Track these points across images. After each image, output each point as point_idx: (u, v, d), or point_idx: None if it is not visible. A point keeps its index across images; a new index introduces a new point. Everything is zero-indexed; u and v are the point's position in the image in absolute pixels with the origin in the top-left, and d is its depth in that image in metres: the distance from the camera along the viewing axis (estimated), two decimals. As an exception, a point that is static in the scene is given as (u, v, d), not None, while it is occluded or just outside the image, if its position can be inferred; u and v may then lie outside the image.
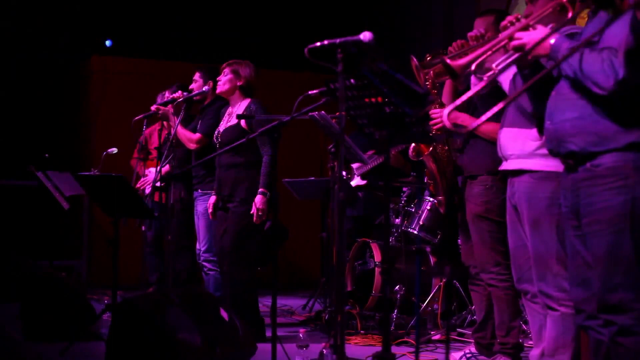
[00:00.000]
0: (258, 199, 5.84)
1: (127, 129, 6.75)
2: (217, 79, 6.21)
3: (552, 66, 3.25)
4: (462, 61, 3.36)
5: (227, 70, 6.15)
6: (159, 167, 6.16)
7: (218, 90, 6.22)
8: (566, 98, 3.30)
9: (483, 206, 4.88)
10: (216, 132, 6.20)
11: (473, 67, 3.39)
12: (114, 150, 7.53)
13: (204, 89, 6.39)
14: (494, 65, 3.41)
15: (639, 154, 3.14)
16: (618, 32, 3.10)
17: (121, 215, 5.81)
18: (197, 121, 6.66)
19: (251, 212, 5.84)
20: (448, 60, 3.42)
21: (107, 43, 10.10)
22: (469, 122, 4.77)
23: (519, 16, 3.51)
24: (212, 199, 6.18)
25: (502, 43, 3.38)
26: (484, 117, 3.00)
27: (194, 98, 6.56)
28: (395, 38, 9.73)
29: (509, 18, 3.52)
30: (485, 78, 3.58)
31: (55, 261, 7.99)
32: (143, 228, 7.20)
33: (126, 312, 4.61)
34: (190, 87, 6.69)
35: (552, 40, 3.27)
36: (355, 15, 10.48)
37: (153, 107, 6.52)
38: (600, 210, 3.19)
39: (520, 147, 4.10)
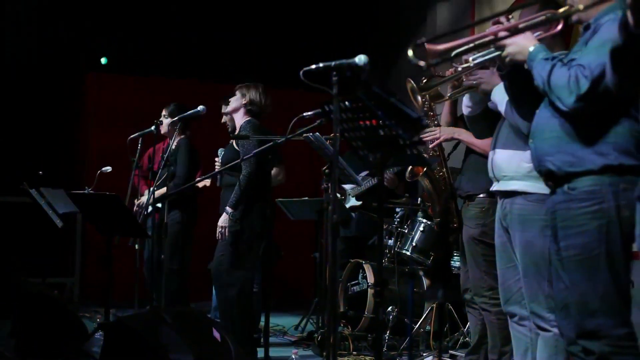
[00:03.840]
0: (222, 217, 5.87)
1: (122, 147, 6.75)
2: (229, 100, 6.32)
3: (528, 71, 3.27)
4: (441, 46, 3.35)
5: (237, 91, 6.27)
6: (152, 188, 6.18)
7: (225, 111, 6.36)
8: (547, 117, 3.32)
9: (479, 229, 4.88)
10: (222, 152, 6.28)
11: (453, 53, 3.39)
12: (109, 169, 7.53)
13: (198, 109, 6.40)
14: (470, 58, 3.45)
15: (614, 178, 3.15)
16: (591, 49, 3.14)
17: (115, 234, 5.81)
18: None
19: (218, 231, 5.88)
20: (427, 44, 3.41)
21: (103, 60, 10.10)
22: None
23: (511, 17, 3.54)
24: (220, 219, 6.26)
25: (487, 39, 3.40)
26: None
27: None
28: (391, 60, 9.77)
29: (499, 18, 3.53)
30: (460, 69, 3.60)
31: (47, 278, 7.97)
32: (136, 247, 7.19)
33: (118, 331, 4.60)
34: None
35: (531, 48, 3.31)
36: (351, 35, 10.54)
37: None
38: (576, 235, 3.19)
39: (514, 169, 4.08)
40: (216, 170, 6.37)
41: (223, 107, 6.66)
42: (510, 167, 4.10)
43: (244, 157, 5.43)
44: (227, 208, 5.84)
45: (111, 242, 5.65)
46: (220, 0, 10.61)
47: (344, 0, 10.78)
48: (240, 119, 6.19)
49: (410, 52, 3.15)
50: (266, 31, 10.71)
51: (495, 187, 4.25)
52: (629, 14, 2.51)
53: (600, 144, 3.16)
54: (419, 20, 9.76)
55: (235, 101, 6.21)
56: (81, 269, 9.41)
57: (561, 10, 3.31)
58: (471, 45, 3.39)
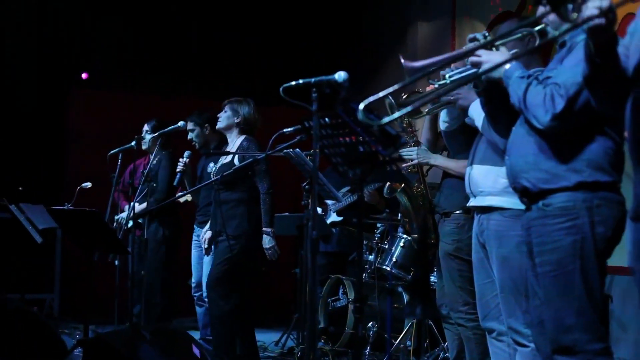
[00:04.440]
0: (265, 239, 6.04)
1: (103, 163, 6.73)
2: (217, 115, 6.29)
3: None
4: (416, 64, 3.37)
5: (227, 107, 6.25)
6: (132, 203, 6.17)
7: (217, 127, 6.31)
8: (523, 134, 3.34)
9: (454, 245, 4.89)
10: (214, 168, 6.25)
11: (429, 71, 3.40)
12: (88, 184, 7.51)
13: (179, 124, 6.39)
14: (447, 75, 3.47)
15: (588, 194, 3.17)
16: (566, 68, 3.17)
17: (95, 250, 5.79)
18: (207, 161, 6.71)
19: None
20: (402, 60, 3.42)
21: (83, 76, 10.09)
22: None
23: (487, 34, 3.56)
24: (208, 234, 6.22)
25: (462, 55, 3.44)
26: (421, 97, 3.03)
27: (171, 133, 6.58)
28: (372, 76, 9.81)
29: (476, 35, 3.56)
30: (437, 85, 3.62)
31: (26, 295, 7.91)
32: (116, 263, 7.16)
33: (97, 348, 4.58)
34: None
35: (507, 66, 3.33)
36: (331, 52, 10.58)
37: None
38: (551, 251, 3.20)
39: (491, 184, 4.09)
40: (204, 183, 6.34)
41: (188, 124, 6.64)
42: (487, 182, 4.11)
43: (224, 174, 5.43)
44: (266, 229, 6.00)
45: (91, 258, 5.63)
46: (201, 16, 10.64)
47: (324, 17, 10.82)
48: (234, 136, 6.18)
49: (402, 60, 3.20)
50: (248, 48, 10.74)
51: (472, 202, 4.26)
52: (590, 43, 2.55)
53: (575, 161, 3.19)
54: (399, 37, 9.81)
55: (228, 119, 6.20)
56: (61, 285, 9.35)
57: (537, 27, 3.34)
58: (448, 62, 3.41)
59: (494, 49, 3.42)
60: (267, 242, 6.03)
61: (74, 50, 10.20)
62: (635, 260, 2.55)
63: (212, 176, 6.18)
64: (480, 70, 3.38)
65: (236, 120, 6.17)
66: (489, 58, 3.36)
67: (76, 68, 10.15)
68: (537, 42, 3.41)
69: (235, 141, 6.16)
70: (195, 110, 6.95)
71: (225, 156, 6.18)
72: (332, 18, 10.85)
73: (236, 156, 6.00)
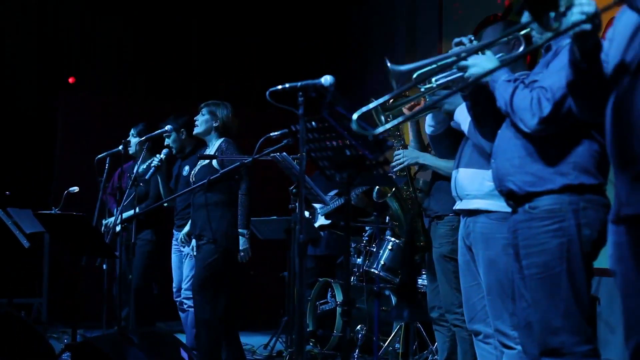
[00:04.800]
0: (241, 241, 5.96)
1: (90, 167, 6.71)
2: (194, 118, 6.23)
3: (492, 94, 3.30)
4: (402, 68, 3.37)
5: (204, 110, 6.17)
6: (119, 208, 6.15)
7: (195, 132, 6.23)
8: (509, 137, 3.36)
9: (449, 246, 4.88)
10: (192, 172, 6.21)
11: (414, 75, 3.41)
12: (76, 189, 7.48)
13: (166, 128, 6.38)
14: (433, 80, 3.47)
15: (574, 196, 3.19)
16: (552, 72, 3.18)
17: (82, 254, 5.77)
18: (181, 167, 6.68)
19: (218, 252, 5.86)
20: (388, 64, 3.42)
21: (69, 80, 10.06)
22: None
23: (472, 37, 3.57)
24: (185, 229, 6.21)
25: (450, 60, 3.42)
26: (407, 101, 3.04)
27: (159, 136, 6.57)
28: (359, 80, 9.83)
29: (461, 38, 3.56)
30: (423, 89, 3.62)
31: (14, 299, 7.89)
32: (104, 267, 7.15)
33: (85, 352, 4.57)
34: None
35: (494, 69, 3.32)
36: (319, 56, 10.59)
37: None
38: (538, 253, 3.21)
39: (477, 187, 4.09)
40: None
41: (168, 127, 6.57)
42: (473, 185, 4.12)
43: (210, 178, 5.43)
44: (242, 230, 5.91)
45: (78, 263, 5.62)
46: (189, 20, 10.64)
47: (312, 21, 10.83)
48: (213, 139, 6.14)
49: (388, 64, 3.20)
50: (236, 52, 10.74)
51: (458, 205, 4.26)
52: (575, 49, 2.56)
53: (561, 164, 3.20)
54: (386, 41, 9.83)
55: (206, 122, 6.13)
56: (49, 289, 9.32)
57: (523, 32, 3.35)
58: (434, 66, 3.42)
59: (479, 52, 3.43)
60: (241, 243, 5.96)
61: (63, 53, 10.18)
62: (616, 263, 2.56)
63: (191, 179, 6.15)
64: (467, 74, 3.39)
65: (215, 124, 6.10)
66: (475, 62, 3.37)
67: (65, 71, 10.13)
68: (522, 47, 3.42)
69: (214, 144, 6.11)
70: (171, 115, 6.89)
71: (204, 159, 6.12)
72: (319, 22, 10.86)
73: (215, 159, 5.95)
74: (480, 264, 4.04)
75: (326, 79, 3.43)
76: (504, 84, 3.29)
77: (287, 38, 10.82)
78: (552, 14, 2.40)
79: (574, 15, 2.39)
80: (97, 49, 10.30)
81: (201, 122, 6.15)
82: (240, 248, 5.98)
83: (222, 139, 6.06)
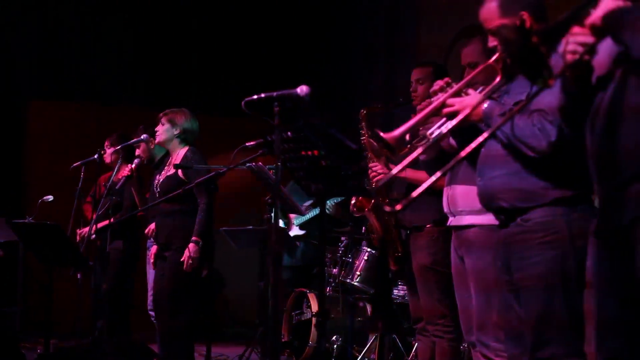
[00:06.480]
0: (190, 247, 5.72)
1: (66, 176, 6.68)
2: (155, 129, 6.16)
3: (489, 133, 3.25)
4: (396, 133, 3.34)
5: (163, 119, 6.05)
6: (94, 217, 6.11)
7: (156, 141, 6.16)
8: (495, 155, 3.33)
9: (430, 257, 4.85)
10: (156, 181, 6.14)
11: (407, 137, 3.38)
12: (50, 198, 7.44)
13: (142, 137, 6.34)
14: (428, 133, 3.42)
15: (566, 208, 3.18)
16: (547, 93, 3.16)
17: (56, 263, 5.74)
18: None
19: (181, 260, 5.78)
20: (382, 134, 3.33)
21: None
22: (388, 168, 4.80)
23: (450, 80, 3.55)
24: (153, 248, 6.13)
25: (435, 109, 3.35)
26: (404, 162, 3.02)
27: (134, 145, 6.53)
28: (336, 88, 9.84)
29: (440, 83, 3.54)
30: (419, 147, 3.57)
31: (-12, 308, 7.84)
32: (78, 276, 7.11)
33: (58, 362, 4.55)
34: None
35: (485, 105, 3.30)
36: (295, 64, 10.58)
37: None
38: (532, 265, 3.20)
39: (471, 204, 3.99)
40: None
41: (144, 136, 6.49)
42: (467, 202, 4.06)
43: (185, 188, 5.39)
44: (195, 238, 5.72)
45: (52, 272, 5.58)
46: (161, 28, 10.57)
47: (293, 29, 10.81)
48: (176, 147, 6.08)
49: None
50: (213, 59, 10.69)
51: (451, 222, 4.25)
52: (568, 74, 2.56)
53: (551, 178, 3.19)
54: (369, 53, 9.85)
55: (167, 131, 6.02)
56: (23, 298, 9.25)
57: (493, 58, 3.32)
58: (424, 121, 3.38)
59: (462, 93, 3.40)
60: (191, 250, 5.75)
61: (34, 60, 10.10)
62: (595, 275, 2.57)
63: (155, 189, 6.07)
64: (458, 119, 3.31)
65: (175, 132, 6.03)
66: (462, 105, 3.31)
67: (36, 79, 10.06)
68: (499, 78, 3.36)
69: (178, 152, 6.05)
70: (141, 126, 6.84)
71: (169, 170, 6.06)
72: (298, 29, 10.84)
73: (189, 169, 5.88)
74: (469, 272, 4.02)
75: (302, 89, 3.42)
76: (499, 118, 3.24)
77: (264, 45, 10.78)
78: (547, 73, 2.40)
79: (570, 44, 2.39)
80: (70, 57, 10.23)
81: (161, 131, 6.05)
82: (190, 254, 5.73)
83: (186, 148, 6.01)
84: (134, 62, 10.40)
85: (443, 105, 3.34)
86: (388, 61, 9.45)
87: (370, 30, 9.91)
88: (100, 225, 6.43)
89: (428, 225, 4.89)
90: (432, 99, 3.48)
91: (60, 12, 10.20)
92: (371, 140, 5.12)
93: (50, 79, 10.15)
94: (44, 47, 10.12)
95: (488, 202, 3.41)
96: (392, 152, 3.36)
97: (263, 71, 10.34)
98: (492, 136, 3.27)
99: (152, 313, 6.42)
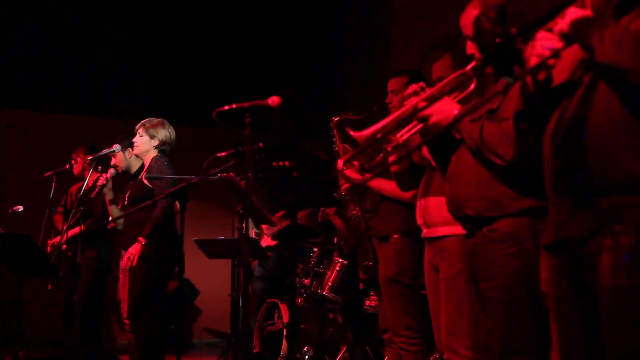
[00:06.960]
0: (134, 245, 5.67)
1: (36, 185, 6.65)
2: (133, 140, 6.11)
3: (461, 138, 3.27)
4: (366, 132, 3.35)
5: (141, 130, 6.04)
6: (65, 227, 6.08)
7: (134, 152, 6.12)
8: (465, 163, 3.34)
9: (395, 269, 4.85)
10: (125, 188, 6.12)
11: (379, 135, 3.40)
12: (20, 208, 7.39)
13: (113, 148, 6.30)
14: (398, 136, 3.43)
15: (532, 219, 3.17)
16: (513, 100, 3.19)
17: (25, 274, 5.70)
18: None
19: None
20: (351, 132, 3.37)
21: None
22: (356, 175, 4.78)
23: (424, 85, 3.56)
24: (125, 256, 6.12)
25: (408, 113, 3.35)
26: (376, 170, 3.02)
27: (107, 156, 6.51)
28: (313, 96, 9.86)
29: (414, 87, 3.53)
30: (390, 149, 3.58)
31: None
32: (49, 287, 7.07)
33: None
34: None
35: (456, 111, 3.31)
36: (270, 72, 10.58)
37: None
38: (497, 276, 3.20)
39: (445, 215, 3.93)
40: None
41: (116, 146, 6.44)
42: (441, 214, 4.05)
43: (156, 199, 5.37)
44: (140, 238, 5.66)
45: (22, 282, 5.55)
46: (136, 37, 10.54)
47: (264, 41, 10.82)
48: (151, 157, 6.06)
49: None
50: (187, 69, 10.67)
51: (425, 234, 4.26)
52: (528, 79, 2.58)
53: (518, 189, 3.20)
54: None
55: (145, 143, 6.01)
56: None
57: (470, 66, 3.33)
58: (395, 123, 3.38)
59: (436, 98, 3.41)
60: (135, 248, 5.68)
61: (4, 70, 10.04)
62: (551, 286, 2.59)
63: (125, 197, 6.04)
64: (430, 121, 3.33)
65: (154, 144, 6.02)
66: (435, 109, 3.32)
67: (7, 88, 9.99)
68: (474, 85, 3.38)
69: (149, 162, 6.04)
70: (118, 135, 6.81)
71: (137, 177, 6.05)
72: (270, 44, 10.86)
73: (145, 176, 5.86)
74: (442, 280, 4.04)
75: (273, 100, 3.44)
76: (469, 125, 3.27)
77: (235, 56, 10.77)
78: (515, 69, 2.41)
79: (537, 48, 2.41)
80: (41, 67, 10.17)
81: (140, 143, 6.04)
82: (130, 251, 5.70)
83: (152, 157, 6.00)
84: (108, 72, 10.35)
85: (415, 109, 3.34)
86: (365, 71, 9.49)
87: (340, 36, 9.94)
88: (71, 233, 6.41)
89: (395, 236, 4.89)
90: (405, 102, 3.48)
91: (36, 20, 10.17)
92: (346, 146, 5.15)
93: (22, 88, 10.08)
94: (16, 55, 10.06)
95: (456, 210, 3.41)
96: (362, 151, 3.38)
97: (234, 81, 10.32)
98: (463, 143, 3.31)
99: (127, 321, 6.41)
